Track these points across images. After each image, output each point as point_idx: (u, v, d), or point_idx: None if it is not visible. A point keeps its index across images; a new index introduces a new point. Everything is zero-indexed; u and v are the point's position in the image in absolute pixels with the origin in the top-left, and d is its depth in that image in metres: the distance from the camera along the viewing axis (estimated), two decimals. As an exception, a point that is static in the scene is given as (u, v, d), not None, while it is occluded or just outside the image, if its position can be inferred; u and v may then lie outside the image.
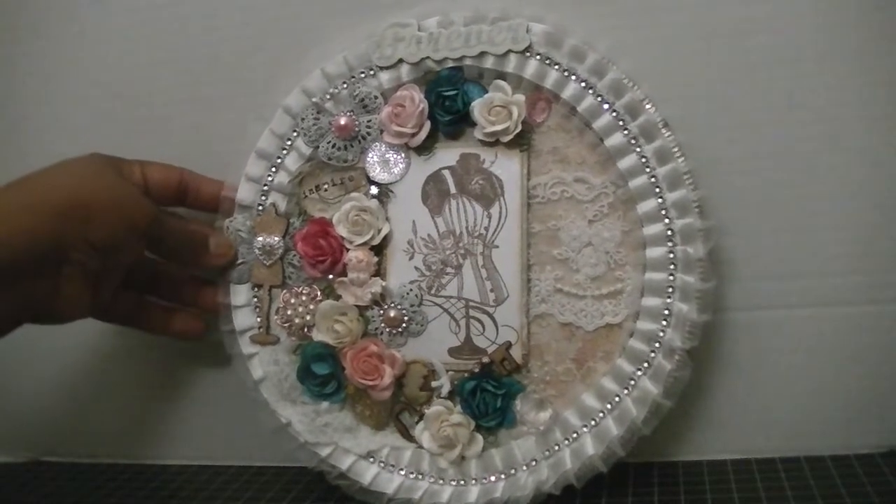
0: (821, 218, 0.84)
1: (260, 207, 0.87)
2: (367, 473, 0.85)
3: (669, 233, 0.80)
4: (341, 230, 0.85)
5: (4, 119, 0.99)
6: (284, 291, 0.87)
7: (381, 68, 0.85)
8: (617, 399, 0.81)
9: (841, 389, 0.85)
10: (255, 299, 0.88)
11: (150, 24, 0.94)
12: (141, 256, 0.84)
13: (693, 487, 0.82)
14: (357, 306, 0.85)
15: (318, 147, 0.86)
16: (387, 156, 0.85)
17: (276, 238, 0.86)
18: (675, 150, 0.80)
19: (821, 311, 0.85)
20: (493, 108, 0.82)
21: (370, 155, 0.86)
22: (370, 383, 0.84)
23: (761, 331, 0.86)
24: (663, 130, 0.80)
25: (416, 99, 0.83)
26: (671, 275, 0.80)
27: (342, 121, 0.85)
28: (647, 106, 0.80)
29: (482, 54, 0.83)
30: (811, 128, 0.83)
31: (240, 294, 0.88)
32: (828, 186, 0.84)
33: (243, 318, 0.88)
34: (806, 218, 0.84)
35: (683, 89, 0.83)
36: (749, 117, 0.84)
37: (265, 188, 0.87)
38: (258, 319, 0.88)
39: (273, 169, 0.87)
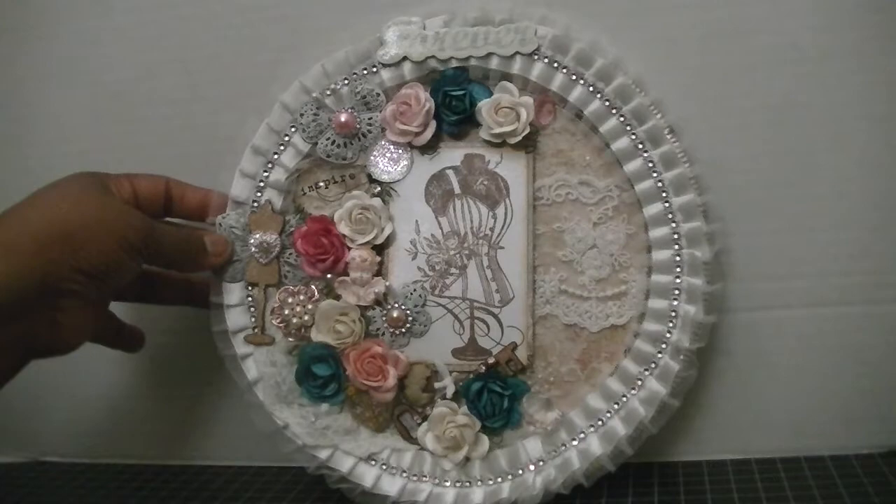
0: (821, 218, 0.81)
1: (255, 204, 0.83)
2: (369, 476, 0.81)
3: (676, 236, 0.78)
4: (343, 228, 0.80)
5: (4, 119, 0.95)
6: (281, 291, 0.82)
7: (384, 65, 0.81)
8: (624, 399, 0.79)
9: (841, 389, 0.83)
10: (249, 298, 0.83)
11: (150, 25, 0.90)
12: (139, 273, 0.79)
13: (693, 487, 0.80)
14: (359, 306, 0.81)
15: (316, 143, 0.82)
16: (389, 154, 0.81)
17: (274, 236, 0.82)
18: (681, 155, 0.78)
19: (821, 311, 0.82)
20: (500, 110, 0.79)
21: (373, 153, 0.81)
22: (374, 385, 0.79)
23: (761, 331, 0.83)
24: (669, 136, 0.78)
25: (421, 98, 0.79)
26: (677, 277, 0.78)
27: (343, 117, 0.81)
28: (654, 112, 0.78)
29: (488, 55, 0.79)
30: (811, 128, 0.80)
31: (233, 293, 0.83)
32: (828, 186, 0.81)
33: (236, 318, 0.83)
34: (806, 218, 0.82)
35: (683, 90, 0.81)
36: (749, 117, 0.81)
37: (260, 184, 0.83)
38: (252, 319, 0.83)
39: (269, 165, 0.83)
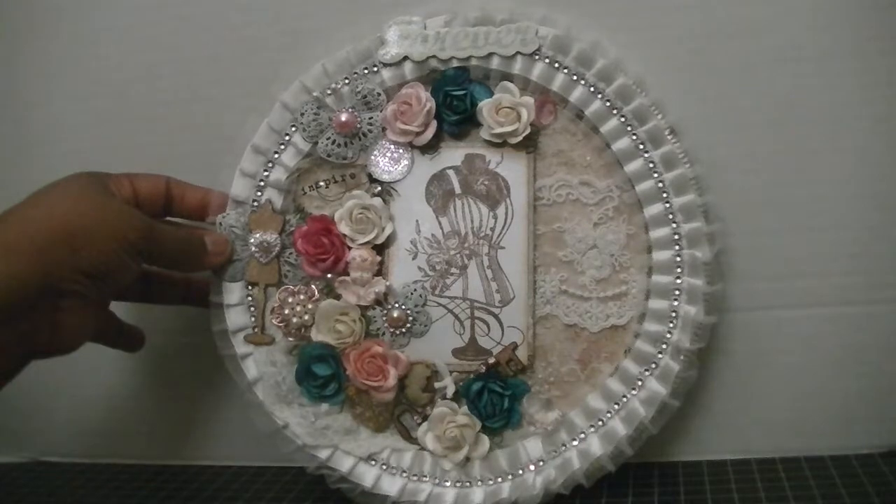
0: (821, 218, 0.81)
1: (255, 204, 0.82)
2: (369, 476, 0.80)
3: (676, 237, 0.77)
4: (343, 228, 0.80)
5: (5, 119, 0.94)
6: (281, 290, 0.81)
7: (385, 65, 0.80)
8: (624, 399, 0.78)
9: (841, 389, 0.82)
10: (249, 298, 0.82)
11: (150, 24, 0.90)
12: (139, 273, 0.78)
13: (693, 487, 0.79)
14: (359, 306, 0.80)
15: (316, 143, 0.81)
16: (390, 154, 0.81)
17: (274, 235, 0.81)
18: (682, 155, 0.78)
19: (821, 311, 0.82)
20: (501, 110, 0.78)
21: (373, 152, 0.81)
22: (374, 384, 0.79)
23: (761, 331, 0.83)
24: (670, 136, 0.78)
25: (422, 98, 0.79)
26: (678, 278, 0.77)
27: (343, 117, 0.80)
28: (655, 112, 0.78)
29: (489, 55, 0.79)
30: (811, 128, 0.80)
31: (233, 292, 0.82)
32: (828, 186, 0.81)
33: (236, 318, 0.82)
34: (806, 218, 0.81)
35: (683, 90, 0.80)
36: (749, 117, 0.81)
37: (260, 184, 0.82)
38: (252, 319, 0.82)
39: (269, 164, 0.82)
